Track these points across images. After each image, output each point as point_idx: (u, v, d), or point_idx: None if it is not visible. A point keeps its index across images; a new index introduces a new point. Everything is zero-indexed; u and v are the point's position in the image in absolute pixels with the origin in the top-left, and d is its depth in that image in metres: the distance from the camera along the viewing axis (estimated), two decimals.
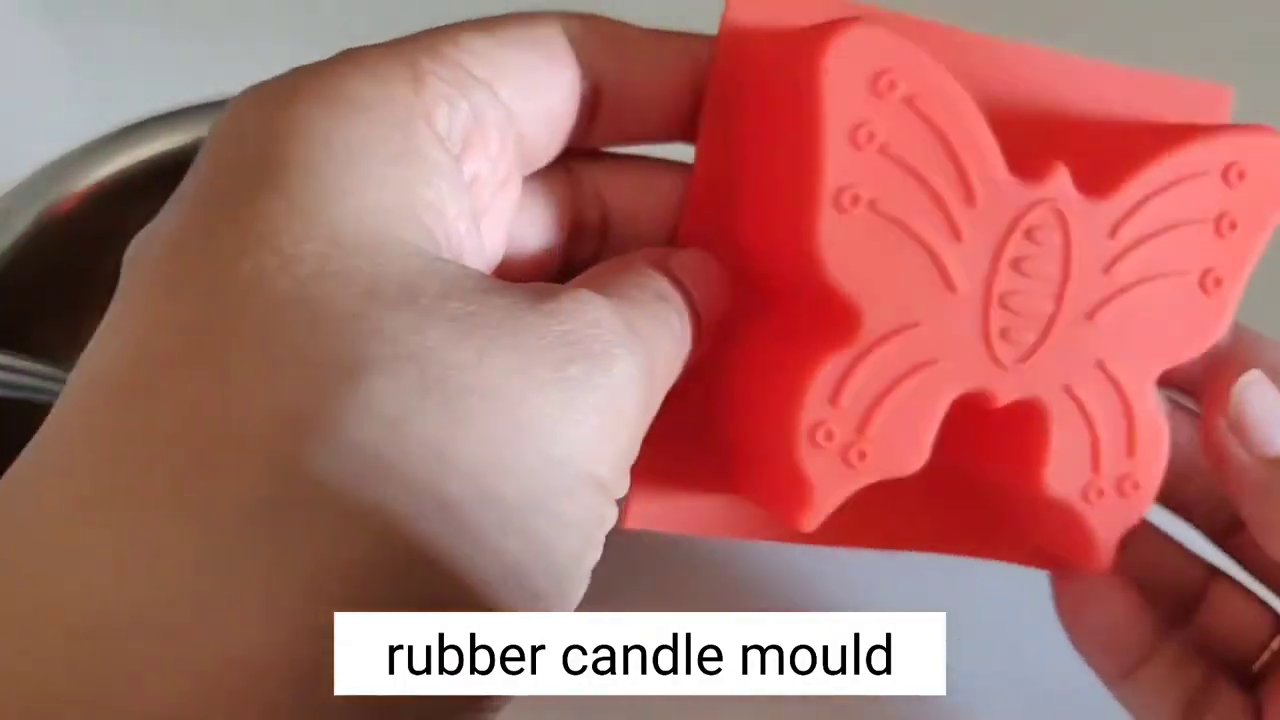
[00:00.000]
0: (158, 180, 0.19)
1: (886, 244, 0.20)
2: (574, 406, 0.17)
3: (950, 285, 0.21)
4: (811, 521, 0.22)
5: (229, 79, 0.20)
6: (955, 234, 0.21)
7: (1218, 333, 0.23)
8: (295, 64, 0.20)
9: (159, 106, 0.32)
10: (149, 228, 0.18)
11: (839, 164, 0.20)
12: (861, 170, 0.20)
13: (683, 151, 0.23)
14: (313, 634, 0.14)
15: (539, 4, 0.22)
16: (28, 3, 0.44)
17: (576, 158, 0.23)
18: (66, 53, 0.44)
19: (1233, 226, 0.22)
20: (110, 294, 0.18)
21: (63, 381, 0.17)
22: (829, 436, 0.21)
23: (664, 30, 0.22)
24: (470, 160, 0.19)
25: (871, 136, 0.20)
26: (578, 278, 0.20)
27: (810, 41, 0.20)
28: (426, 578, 0.15)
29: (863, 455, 0.21)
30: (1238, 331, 0.25)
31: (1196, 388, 0.26)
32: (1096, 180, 0.22)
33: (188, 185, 0.18)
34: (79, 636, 0.14)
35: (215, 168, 0.18)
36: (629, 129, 0.22)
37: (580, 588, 0.17)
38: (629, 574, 0.31)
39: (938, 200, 0.21)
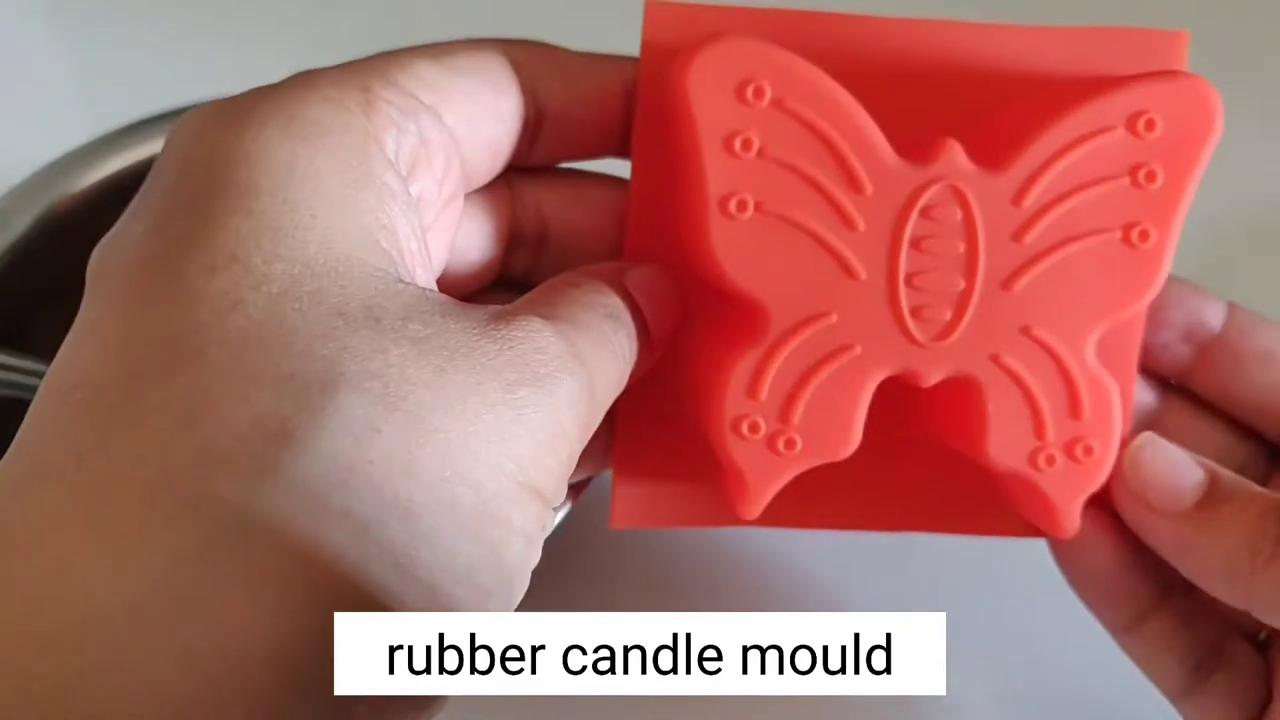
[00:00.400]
0: None
1: (780, 242, 0.22)
2: (521, 424, 0.18)
3: (851, 273, 0.22)
4: (751, 510, 0.23)
5: (230, 79, 0.20)
6: (848, 223, 0.22)
7: (1152, 285, 0.22)
8: (295, 65, 0.20)
9: (159, 106, 0.32)
10: (111, 239, 0.18)
11: (719, 174, 0.21)
12: (743, 176, 0.21)
13: (623, 166, 0.24)
14: (292, 619, 0.15)
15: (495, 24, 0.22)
16: (28, 3, 0.44)
17: (518, 173, 0.24)
18: (66, 53, 0.44)
19: (1151, 178, 0.22)
20: None
21: None
22: (754, 428, 0.22)
23: (601, 54, 0.23)
24: (416, 181, 0.20)
25: (748, 143, 0.21)
26: (530, 294, 0.21)
27: (679, 62, 0.21)
28: (390, 577, 0.16)
29: (791, 443, 0.22)
30: (1232, 312, 0.25)
31: (1188, 375, 0.26)
32: (1005, 151, 0.22)
33: (150, 199, 0.18)
34: (76, 629, 0.14)
35: (179, 184, 0.18)
36: (570, 147, 0.24)
37: (523, 587, 0.18)
38: (629, 574, 0.31)
39: (824, 193, 0.21)
